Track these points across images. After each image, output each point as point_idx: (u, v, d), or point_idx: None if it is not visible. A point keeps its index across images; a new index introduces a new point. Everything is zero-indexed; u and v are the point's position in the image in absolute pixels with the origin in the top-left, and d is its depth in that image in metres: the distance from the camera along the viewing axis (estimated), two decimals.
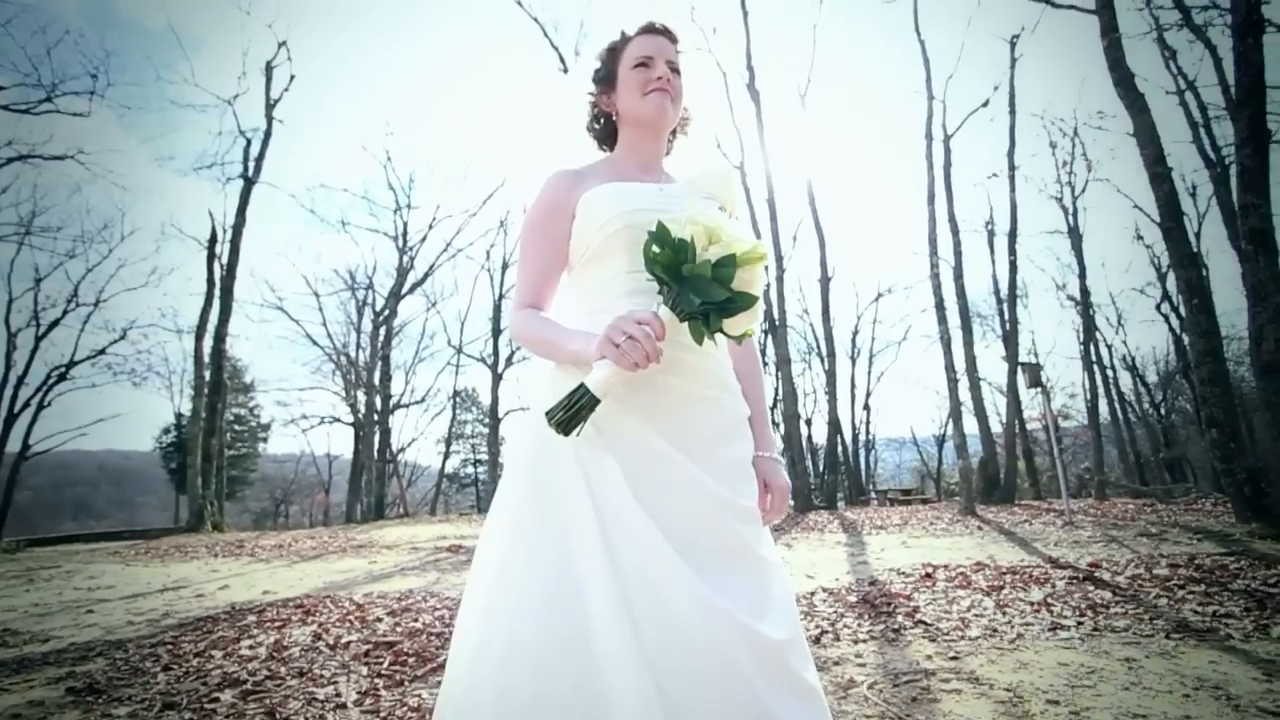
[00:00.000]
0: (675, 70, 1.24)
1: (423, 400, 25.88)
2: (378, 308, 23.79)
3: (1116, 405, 22.44)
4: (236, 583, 5.97)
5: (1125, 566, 4.64)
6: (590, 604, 0.92)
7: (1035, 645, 2.88)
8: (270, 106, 16.65)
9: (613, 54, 1.27)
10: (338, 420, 24.75)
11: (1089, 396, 20.98)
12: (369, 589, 5.28)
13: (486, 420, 25.62)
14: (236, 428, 30.30)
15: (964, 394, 12.80)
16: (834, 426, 18.27)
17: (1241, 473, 6.58)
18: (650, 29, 1.26)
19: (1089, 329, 19.96)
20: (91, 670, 3.09)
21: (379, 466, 21.58)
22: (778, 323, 13.85)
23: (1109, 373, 22.04)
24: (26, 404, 18.64)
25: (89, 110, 15.47)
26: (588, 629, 0.91)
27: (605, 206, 1.12)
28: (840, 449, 19.82)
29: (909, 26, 14.15)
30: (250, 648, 3.37)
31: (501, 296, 23.83)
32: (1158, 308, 20.70)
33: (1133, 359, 24.20)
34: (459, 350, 24.95)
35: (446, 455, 28.43)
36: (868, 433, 28.19)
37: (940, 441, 29.41)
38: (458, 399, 28.52)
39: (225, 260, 15.79)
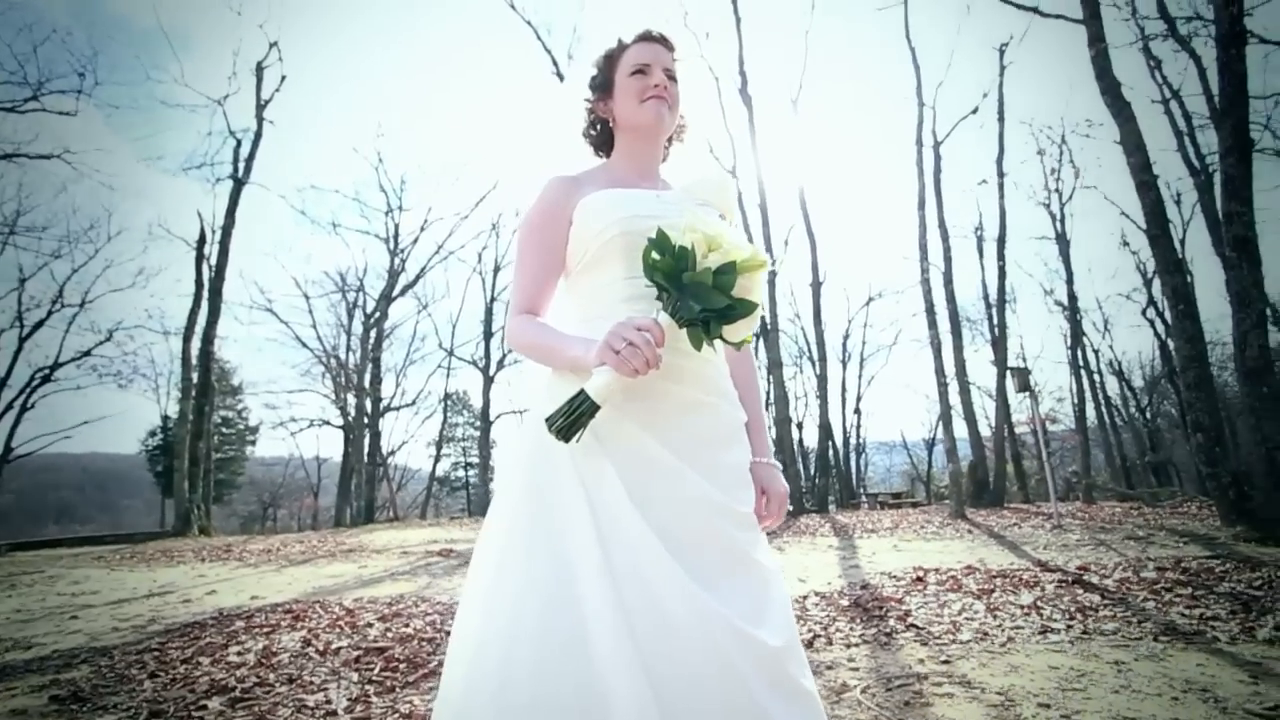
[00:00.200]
0: (672, 78, 1.26)
1: (413, 403, 25.76)
2: (368, 310, 23.67)
3: (1103, 409, 22.70)
4: (224, 588, 5.90)
5: (1113, 570, 4.69)
6: (587, 608, 0.92)
7: (1026, 648, 2.90)
8: (261, 107, 16.54)
9: (610, 61, 1.28)
10: (327, 423, 24.57)
11: (1076, 401, 21.21)
12: (359, 594, 5.23)
13: (478, 423, 25.54)
14: (224, 430, 29.99)
15: (953, 398, 12.90)
16: (825, 430, 18.34)
17: (1226, 476, 6.67)
18: (647, 37, 1.27)
19: (1076, 334, 20.18)
20: (76, 678, 3.04)
21: (369, 470, 21.43)
22: (769, 326, 13.89)
23: (1096, 377, 22.29)
24: (10, 406, 18.38)
25: (76, 109, 15.30)
26: (585, 633, 0.91)
27: (603, 213, 1.12)
28: (831, 452, 19.88)
29: (900, 34, 14.27)
30: (239, 654, 3.33)
31: (493, 299, 23.77)
32: (1143, 313, 20.97)
33: (1119, 364, 24.50)
34: (450, 353, 24.87)
35: (437, 459, 28.29)
36: (858, 436, 28.35)
37: (930, 445, 29.61)
38: (449, 402, 28.39)
39: (214, 261, 15.65)
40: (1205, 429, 6.87)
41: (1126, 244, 20.59)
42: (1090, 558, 5.38)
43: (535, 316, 1.16)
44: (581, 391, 0.95)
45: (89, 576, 7.11)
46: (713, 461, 1.05)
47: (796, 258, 20.43)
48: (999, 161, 16.32)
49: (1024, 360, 23.72)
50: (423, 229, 22.85)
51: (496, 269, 23.95)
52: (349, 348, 24.23)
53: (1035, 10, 10.70)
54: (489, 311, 23.68)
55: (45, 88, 15.08)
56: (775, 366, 13.84)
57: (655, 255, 0.96)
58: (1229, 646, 2.81)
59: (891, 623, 3.47)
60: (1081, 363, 20.92)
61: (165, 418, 25.65)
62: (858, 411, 27.52)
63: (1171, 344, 17.05)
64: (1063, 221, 19.63)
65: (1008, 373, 13.24)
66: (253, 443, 31.79)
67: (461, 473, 34.22)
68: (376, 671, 2.93)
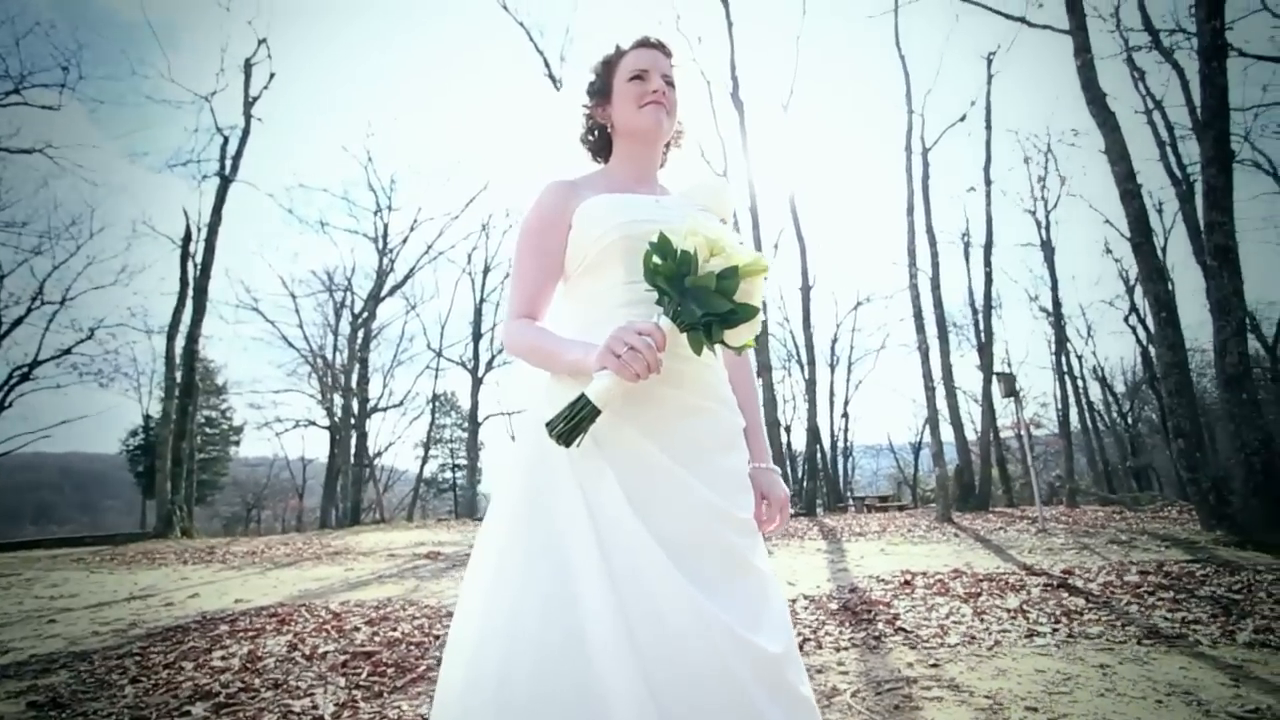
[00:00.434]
0: (671, 83, 1.26)
1: (401, 404, 25.55)
2: (356, 310, 23.46)
3: (1086, 414, 23.01)
4: (207, 591, 5.82)
5: (1097, 573, 4.75)
6: (586, 612, 0.92)
7: (1013, 652, 2.93)
8: (249, 104, 16.38)
9: (608, 67, 1.28)
10: (313, 424, 24.30)
11: (1060, 406, 21.49)
12: (346, 597, 5.18)
13: (466, 425, 25.38)
14: (208, 430, 29.60)
15: (940, 402, 13.02)
16: (813, 433, 18.44)
17: (1206, 482, 6.78)
18: (645, 43, 1.27)
19: (1060, 340, 20.44)
20: (54, 683, 2.98)
21: (355, 471, 21.23)
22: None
23: (1079, 383, 22.60)
24: None
25: (59, 104, 15.07)
26: (584, 637, 0.91)
27: (603, 217, 1.12)
28: (819, 456, 20.00)
29: (890, 40, 14.42)
30: (223, 659, 3.28)
31: (482, 300, 23.67)
32: (1125, 319, 21.29)
33: (1102, 369, 24.84)
34: (439, 354, 24.72)
35: (425, 460, 28.09)
36: (846, 440, 28.51)
37: (916, 449, 29.84)
38: (437, 403, 28.22)
39: (200, 259, 15.45)
40: (1186, 434, 6.98)
41: (1109, 251, 20.92)
42: (1074, 561, 5.45)
43: (533, 321, 1.15)
44: (582, 396, 0.95)
45: (68, 579, 6.97)
46: (712, 467, 1.05)
47: (786, 261, 20.53)
48: (986, 169, 16.53)
49: (1009, 365, 23.99)
50: (412, 229, 22.73)
51: (486, 270, 23.85)
52: (336, 348, 24.02)
53: (1023, 20, 10.85)
54: (478, 313, 23.57)
55: (27, 81, 14.86)
56: (764, 369, 13.91)
57: (657, 259, 0.96)
58: (1210, 650, 2.85)
59: (880, 626, 3.49)
60: (1065, 368, 21.21)
61: (147, 417, 25.28)
62: (845, 415, 27.72)
63: (1153, 350, 17.34)
64: (1048, 229, 19.91)
65: (994, 378, 13.38)
66: (236, 443, 31.40)
67: (449, 474, 33.99)
68: (364, 676, 2.90)
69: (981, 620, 3.52)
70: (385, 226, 22.89)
